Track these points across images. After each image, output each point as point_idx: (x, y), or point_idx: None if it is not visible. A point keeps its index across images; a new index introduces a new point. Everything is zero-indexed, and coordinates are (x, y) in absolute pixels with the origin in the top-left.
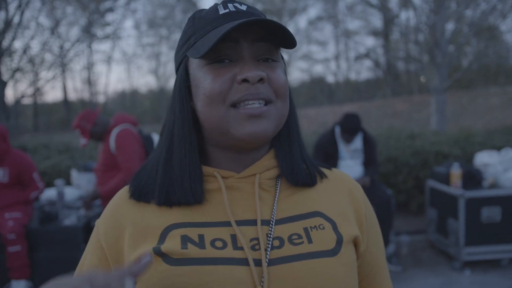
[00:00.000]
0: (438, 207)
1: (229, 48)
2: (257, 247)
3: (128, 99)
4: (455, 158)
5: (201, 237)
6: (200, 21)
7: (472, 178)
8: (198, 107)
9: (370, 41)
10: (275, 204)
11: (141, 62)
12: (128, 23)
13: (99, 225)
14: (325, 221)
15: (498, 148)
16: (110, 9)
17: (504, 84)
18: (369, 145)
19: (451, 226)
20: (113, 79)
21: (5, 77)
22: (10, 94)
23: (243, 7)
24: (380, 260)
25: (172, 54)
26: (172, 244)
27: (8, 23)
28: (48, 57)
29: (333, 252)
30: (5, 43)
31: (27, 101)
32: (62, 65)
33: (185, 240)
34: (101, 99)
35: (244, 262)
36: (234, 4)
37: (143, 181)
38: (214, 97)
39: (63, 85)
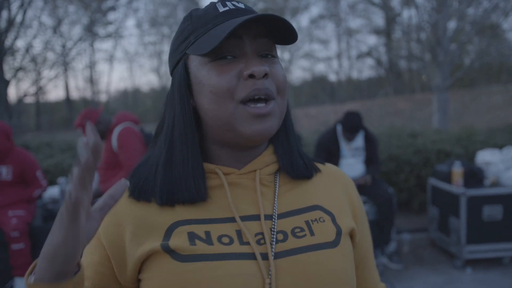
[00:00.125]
0: (439, 205)
1: (232, 45)
2: (262, 241)
3: (130, 98)
4: (457, 157)
5: (207, 233)
6: (199, 20)
7: (474, 176)
8: (203, 105)
9: (372, 40)
10: (276, 199)
11: (143, 60)
12: (130, 22)
13: None
14: (324, 214)
15: (500, 147)
16: (112, 8)
17: (507, 82)
18: (370, 143)
19: (452, 224)
20: (115, 78)
21: (7, 76)
22: (12, 93)
23: (241, 5)
24: (369, 251)
25: None
26: (179, 241)
27: (10, 22)
28: (51, 56)
29: (334, 244)
30: (8, 42)
31: (29, 100)
32: (64, 64)
33: (192, 236)
34: (103, 97)
35: (251, 256)
36: (233, 2)
37: (141, 180)
38: (222, 94)
39: (65, 84)
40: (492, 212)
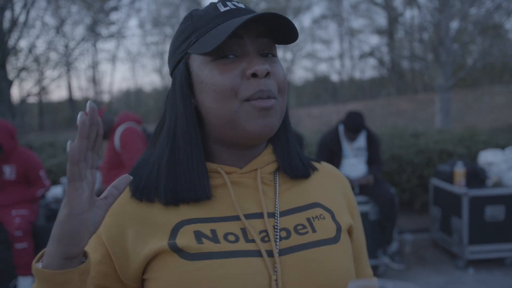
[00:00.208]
0: (441, 205)
1: (234, 44)
2: (266, 238)
3: (133, 98)
4: (459, 157)
5: (213, 232)
6: (200, 19)
7: (476, 176)
8: (205, 104)
9: (374, 40)
10: (277, 197)
11: (146, 61)
12: (133, 22)
13: None
14: (324, 211)
15: (503, 147)
16: (115, 8)
17: (509, 82)
18: (372, 143)
19: (454, 224)
20: (117, 78)
21: (11, 76)
22: (16, 93)
23: (242, 5)
24: (364, 248)
25: None
26: (186, 240)
27: (14, 22)
28: (53, 56)
29: (335, 240)
30: (11, 42)
31: (32, 100)
32: (67, 64)
33: (199, 235)
34: (105, 97)
35: (257, 253)
36: (233, 2)
37: (143, 181)
38: (226, 92)
39: (68, 84)
40: (495, 212)
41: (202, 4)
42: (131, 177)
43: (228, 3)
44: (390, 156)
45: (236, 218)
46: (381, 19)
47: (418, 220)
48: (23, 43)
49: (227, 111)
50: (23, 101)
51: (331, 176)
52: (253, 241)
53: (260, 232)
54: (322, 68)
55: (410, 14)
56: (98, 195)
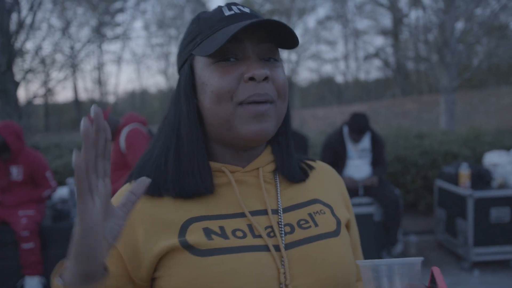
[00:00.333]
0: (446, 207)
1: (235, 48)
2: (271, 234)
3: (138, 99)
4: (464, 158)
5: (222, 228)
6: (206, 22)
7: (481, 178)
8: (205, 104)
9: (379, 41)
10: (278, 195)
11: (151, 62)
12: (138, 24)
13: None
14: (324, 206)
15: (508, 148)
16: (120, 10)
17: None
18: (377, 144)
19: (459, 226)
20: (123, 79)
21: (17, 77)
22: (22, 95)
23: (247, 10)
24: (358, 242)
25: None
26: (196, 237)
27: (20, 25)
28: (59, 57)
29: (336, 233)
30: (18, 44)
31: (38, 101)
32: (73, 65)
33: (208, 232)
34: (111, 99)
35: (264, 248)
36: (238, 7)
37: (151, 176)
38: (222, 94)
39: (74, 86)
40: (500, 214)
41: (207, 6)
42: (148, 180)
43: (233, 7)
44: (395, 157)
45: (242, 215)
46: (386, 20)
47: (422, 222)
48: (30, 45)
49: (223, 113)
50: (29, 102)
51: (327, 174)
52: (260, 236)
53: (266, 228)
54: (327, 69)
55: (415, 15)
56: None
